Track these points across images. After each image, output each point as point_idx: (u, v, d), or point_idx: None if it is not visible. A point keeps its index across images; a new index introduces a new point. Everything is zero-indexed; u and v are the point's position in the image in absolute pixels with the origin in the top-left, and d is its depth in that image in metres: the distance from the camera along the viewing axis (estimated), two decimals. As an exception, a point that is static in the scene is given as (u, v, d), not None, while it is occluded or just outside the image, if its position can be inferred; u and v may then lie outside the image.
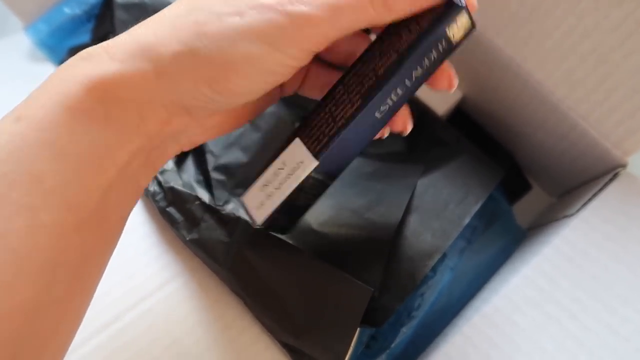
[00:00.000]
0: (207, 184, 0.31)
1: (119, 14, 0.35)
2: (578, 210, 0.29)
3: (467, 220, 0.31)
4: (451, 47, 0.21)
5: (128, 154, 0.20)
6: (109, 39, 0.36)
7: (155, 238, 0.31)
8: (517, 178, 0.41)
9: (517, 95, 0.33)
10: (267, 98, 0.24)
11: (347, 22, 0.19)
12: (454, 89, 0.23)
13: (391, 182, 0.32)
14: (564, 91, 0.29)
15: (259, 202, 0.24)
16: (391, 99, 0.21)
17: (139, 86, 0.19)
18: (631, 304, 0.26)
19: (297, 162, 0.22)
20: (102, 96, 0.19)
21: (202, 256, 0.29)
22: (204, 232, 0.29)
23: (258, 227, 0.24)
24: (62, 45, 0.38)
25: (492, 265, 0.34)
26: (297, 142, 0.22)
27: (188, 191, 0.30)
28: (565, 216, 0.31)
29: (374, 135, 0.23)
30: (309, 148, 0.22)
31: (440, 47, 0.20)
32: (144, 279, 0.30)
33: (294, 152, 0.23)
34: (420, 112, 0.38)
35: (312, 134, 0.22)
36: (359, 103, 0.21)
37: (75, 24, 0.38)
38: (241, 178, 0.32)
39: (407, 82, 0.21)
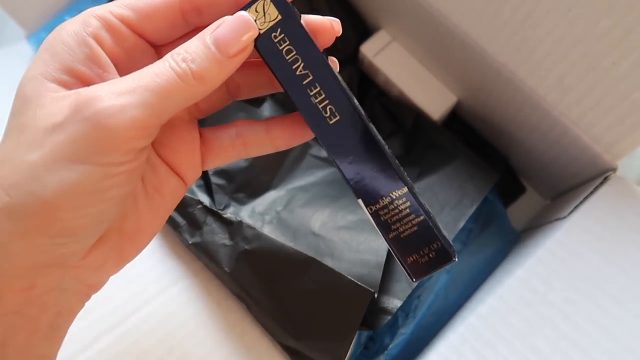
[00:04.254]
0: (208, 188, 0.32)
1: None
2: (570, 213, 0.30)
3: (462, 223, 0.32)
4: (282, 21, 0.19)
5: None
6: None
7: (157, 243, 0.32)
8: (512, 181, 0.41)
9: (510, 100, 0.33)
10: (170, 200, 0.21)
11: (162, 108, 0.17)
12: (338, 30, 0.21)
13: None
14: (555, 97, 0.30)
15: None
16: (313, 90, 0.20)
17: None
18: (623, 303, 0.27)
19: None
20: None
21: (204, 259, 0.30)
22: (206, 236, 0.30)
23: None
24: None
25: (487, 267, 0.34)
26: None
27: (190, 195, 0.30)
28: (558, 219, 0.31)
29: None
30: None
31: (275, 38, 0.19)
32: (146, 283, 0.30)
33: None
34: (416, 116, 0.39)
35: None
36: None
37: (77, 32, 0.38)
38: (241, 182, 0.33)
39: (298, 69, 0.20)
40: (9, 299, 0.18)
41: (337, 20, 0.20)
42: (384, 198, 0.20)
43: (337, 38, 0.21)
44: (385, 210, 0.20)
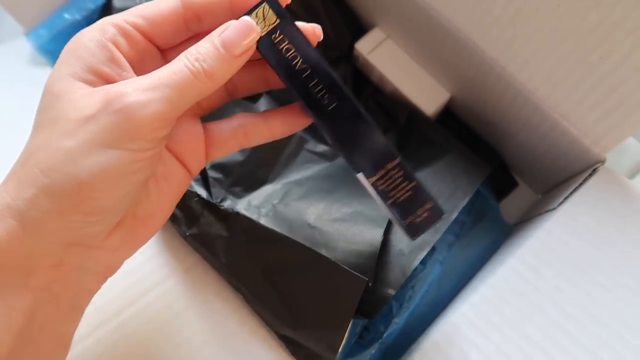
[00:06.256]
0: (205, 181, 0.32)
1: (118, 19, 0.36)
2: (560, 204, 0.31)
3: (455, 215, 0.32)
4: (280, 24, 0.22)
5: (23, 315, 0.19)
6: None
7: (156, 235, 0.32)
8: (504, 176, 0.42)
9: (502, 95, 0.34)
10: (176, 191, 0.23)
11: (180, 102, 0.19)
12: (320, 34, 0.23)
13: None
14: (545, 91, 0.30)
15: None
16: (314, 85, 0.22)
17: (10, 247, 0.19)
18: (610, 291, 0.27)
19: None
20: None
21: (202, 251, 0.30)
22: (203, 227, 0.30)
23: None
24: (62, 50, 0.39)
25: (480, 260, 0.35)
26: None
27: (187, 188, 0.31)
28: (548, 210, 0.32)
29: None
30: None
31: (275, 39, 0.22)
32: (144, 274, 0.31)
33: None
34: (410, 112, 0.39)
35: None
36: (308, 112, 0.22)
37: (75, 29, 0.39)
38: (237, 176, 0.33)
39: (297, 64, 0.22)
40: (41, 275, 0.20)
41: (319, 26, 0.23)
42: (380, 170, 0.22)
43: (332, 36, 0.24)
44: (382, 181, 0.23)
